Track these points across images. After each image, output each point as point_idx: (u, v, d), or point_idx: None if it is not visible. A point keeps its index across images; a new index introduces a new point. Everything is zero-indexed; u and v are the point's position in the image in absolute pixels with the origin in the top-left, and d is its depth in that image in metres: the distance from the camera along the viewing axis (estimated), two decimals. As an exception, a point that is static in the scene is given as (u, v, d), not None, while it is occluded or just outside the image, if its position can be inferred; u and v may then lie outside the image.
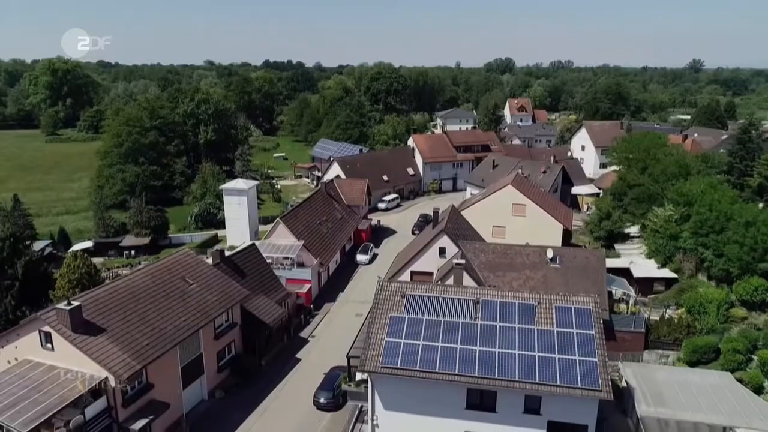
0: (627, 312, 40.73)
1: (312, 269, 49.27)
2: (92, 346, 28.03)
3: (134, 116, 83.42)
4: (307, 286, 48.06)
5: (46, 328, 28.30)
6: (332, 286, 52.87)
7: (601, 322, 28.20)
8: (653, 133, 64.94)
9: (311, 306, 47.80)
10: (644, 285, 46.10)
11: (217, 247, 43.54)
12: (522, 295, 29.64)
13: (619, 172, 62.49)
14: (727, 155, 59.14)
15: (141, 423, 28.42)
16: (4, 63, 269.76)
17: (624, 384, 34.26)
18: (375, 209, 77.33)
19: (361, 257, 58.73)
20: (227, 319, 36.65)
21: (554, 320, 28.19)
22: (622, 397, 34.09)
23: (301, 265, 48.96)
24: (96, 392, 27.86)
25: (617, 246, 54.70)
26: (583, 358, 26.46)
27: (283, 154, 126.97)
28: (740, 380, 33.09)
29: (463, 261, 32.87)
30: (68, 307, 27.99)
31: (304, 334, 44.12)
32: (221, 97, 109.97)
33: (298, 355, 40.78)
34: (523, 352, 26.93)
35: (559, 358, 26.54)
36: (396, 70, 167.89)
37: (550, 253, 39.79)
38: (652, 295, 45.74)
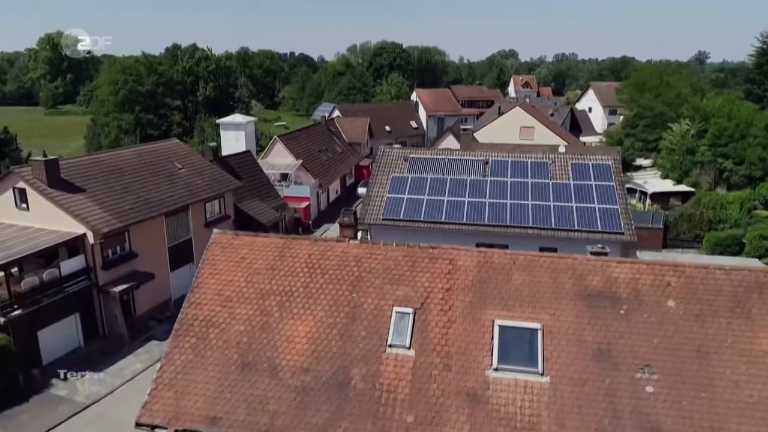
0: (644, 210, 38.44)
1: (311, 188, 47.14)
2: (70, 201, 25.91)
3: (131, 65, 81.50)
4: (305, 203, 45.93)
5: (21, 184, 26.16)
6: (332, 211, 50.57)
7: (621, 176, 26.03)
8: (666, 62, 62.60)
9: (309, 223, 45.66)
10: (660, 200, 43.78)
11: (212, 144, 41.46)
12: (534, 155, 27.51)
13: (630, 104, 60.05)
14: (743, 82, 56.82)
15: (122, 287, 26.30)
16: (7, 53, 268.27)
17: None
18: (377, 159, 75.13)
19: (362, 189, 56.39)
20: (219, 210, 34.51)
21: (570, 175, 26.05)
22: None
23: (299, 183, 46.88)
24: (73, 250, 25.81)
25: (629, 174, 52.43)
26: (603, 206, 24.31)
27: (285, 123, 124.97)
28: (768, 265, 30.83)
29: (471, 126, 30.69)
30: (44, 159, 25.98)
31: (301, 245, 41.94)
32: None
33: (294, 260, 38.57)
34: (537, 202, 24.79)
35: (576, 207, 24.39)
36: (399, 45, 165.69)
37: (561, 149, 37.46)
38: (668, 211, 43.42)
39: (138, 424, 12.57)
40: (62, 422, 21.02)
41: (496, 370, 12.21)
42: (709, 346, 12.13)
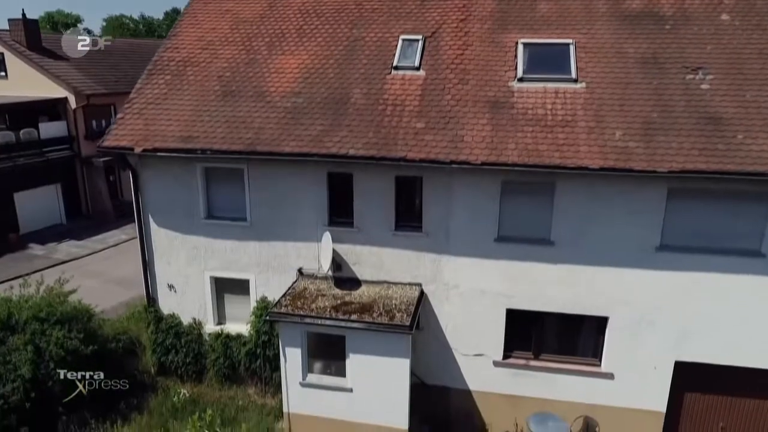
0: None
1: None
2: (51, 65, 24.22)
3: (128, 24, 79.95)
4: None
5: (-1, 49, 24.53)
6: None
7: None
8: None
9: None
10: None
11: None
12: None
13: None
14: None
15: (107, 158, 24.47)
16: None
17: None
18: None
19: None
20: (214, 110, 32.73)
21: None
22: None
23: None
24: (54, 116, 24.10)
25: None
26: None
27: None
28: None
29: None
30: (23, 18, 24.24)
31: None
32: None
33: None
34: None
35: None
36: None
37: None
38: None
39: (100, 149, 10.76)
40: (38, 271, 19.22)
41: (521, 80, 10.37)
42: (774, 48, 10.27)
